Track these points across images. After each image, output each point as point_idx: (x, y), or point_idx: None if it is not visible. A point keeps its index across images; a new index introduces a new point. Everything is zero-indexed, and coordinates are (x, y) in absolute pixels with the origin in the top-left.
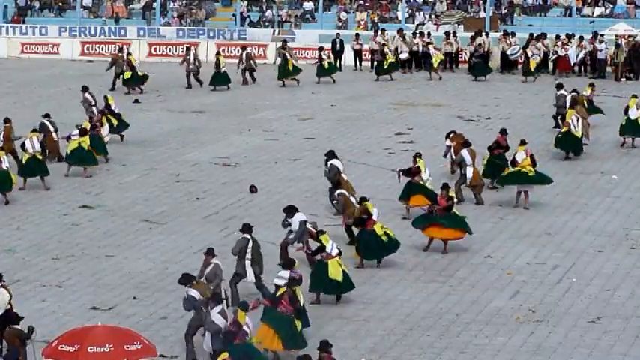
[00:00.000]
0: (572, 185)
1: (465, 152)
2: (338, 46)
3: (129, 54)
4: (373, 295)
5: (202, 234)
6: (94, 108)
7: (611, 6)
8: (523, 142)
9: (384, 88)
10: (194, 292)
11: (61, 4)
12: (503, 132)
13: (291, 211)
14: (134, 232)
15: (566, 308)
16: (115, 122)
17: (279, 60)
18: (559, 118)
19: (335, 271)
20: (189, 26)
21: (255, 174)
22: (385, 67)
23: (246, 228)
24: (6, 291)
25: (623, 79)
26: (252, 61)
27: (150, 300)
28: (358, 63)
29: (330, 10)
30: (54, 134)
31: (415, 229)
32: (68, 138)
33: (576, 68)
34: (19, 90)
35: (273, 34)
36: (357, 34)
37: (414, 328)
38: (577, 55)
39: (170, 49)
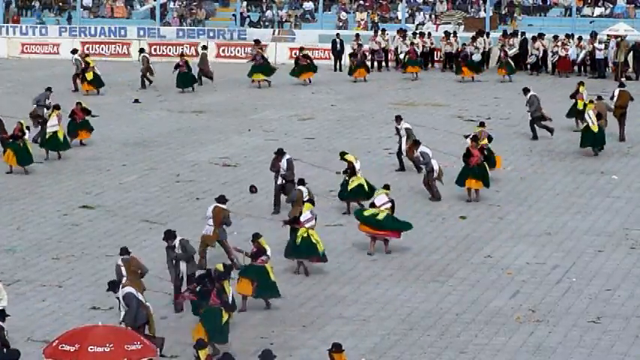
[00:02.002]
0: (572, 185)
1: (423, 148)
2: (338, 46)
3: (86, 55)
4: (373, 296)
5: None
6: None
7: (611, 6)
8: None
9: (383, 88)
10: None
11: (61, 4)
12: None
13: (169, 236)
14: (134, 232)
15: (566, 308)
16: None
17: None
18: (535, 121)
19: (273, 274)
20: (190, 26)
21: (255, 174)
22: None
23: (170, 234)
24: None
25: (624, 79)
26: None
27: (150, 300)
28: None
29: (330, 10)
30: None
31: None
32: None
33: (576, 68)
34: (19, 90)
35: (273, 34)
36: (357, 34)
37: (414, 328)
38: (578, 55)
39: (170, 49)
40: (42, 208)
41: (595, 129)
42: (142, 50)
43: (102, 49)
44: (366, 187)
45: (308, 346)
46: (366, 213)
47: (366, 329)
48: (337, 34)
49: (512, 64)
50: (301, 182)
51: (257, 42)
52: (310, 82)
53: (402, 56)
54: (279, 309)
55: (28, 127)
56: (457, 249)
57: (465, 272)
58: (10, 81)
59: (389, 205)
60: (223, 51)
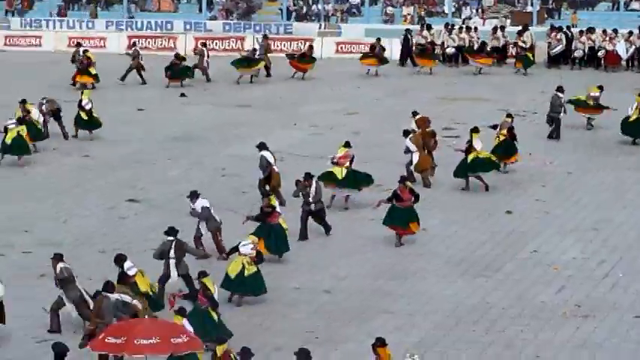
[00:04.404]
0: (618, 180)
1: (407, 141)
2: (410, 41)
3: (85, 51)
4: (419, 290)
5: (248, 227)
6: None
7: None
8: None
9: (429, 83)
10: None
11: None
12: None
13: (194, 196)
14: (179, 225)
15: (612, 303)
16: (85, 117)
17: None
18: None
19: (233, 268)
20: (236, 20)
21: (300, 168)
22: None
23: (171, 231)
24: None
25: None
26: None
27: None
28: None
29: (376, 4)
30: None
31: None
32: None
33: (624, 63)
34: (64, 83)
35: (319, 28)
36: (408, 30)
37: (460, 323)
38: (627, 50)
39: (217, 43)
40: (88, 202)
41: (634, 117)
42: (134, 44)
43: (148, 43)
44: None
45: (353, 340)
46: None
47: (411, 324)
48: (407, 30)
49: (530, 57)
50: (310, 176)
51: (265, 37)
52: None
53: (449, 50)
54: (326, 303)
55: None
56: (503, 244)
57: (511, 267)
58: (56, 74)
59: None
60: (270, 45)
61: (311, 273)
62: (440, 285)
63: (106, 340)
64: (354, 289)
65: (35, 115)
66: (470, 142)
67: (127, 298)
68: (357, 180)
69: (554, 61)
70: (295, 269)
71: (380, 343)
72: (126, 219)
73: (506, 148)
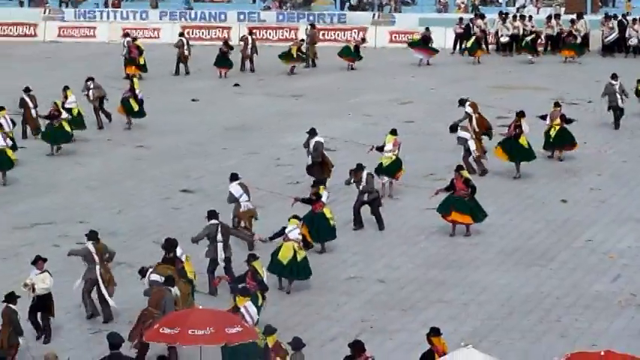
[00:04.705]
0: None
1: (460, 132)
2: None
3: (135, 39)
4: (473, 279)
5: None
6: (32, 110)
7: None
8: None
9: (483, 72)
10: None
11: None
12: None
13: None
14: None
15: None
16: (135, 107)
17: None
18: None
19: (284, 254)
20: (290, 10)
21: (354, 158)
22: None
23: (212, 214)
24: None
25: None
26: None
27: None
28: (458, 47)
29: None
30: (32, 110)
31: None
32: (51, 117)
33: None
34: (118, 74)
35: (373, 17)
36: (461, 18)
37: (514, 312)
38: None
39: (270, 33)
40: (143, 192)
41: None
42: (181, 34)
43: (202, 34)
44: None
45: (408, 330)
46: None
47: (465, 313)
48: (471, 19)
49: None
50: (360, 167)
51: (312, 26)
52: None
53: (502, 39)
54: (380, 293)
55: (64, 106)
56: (558, 232)
57: (566, 256)
58: (111, 65)
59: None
60: (323, 35)
61: (365, 263)
62: (494, 274)
63: (161, 331)
64: (409, 278)
65: (72, 100)
66: (519, 126)
67: (155, 276)
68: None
69: (608, 49)
70: (349, 259)
71: (434, 332)
72: (180, 209)
73: (564, 137)
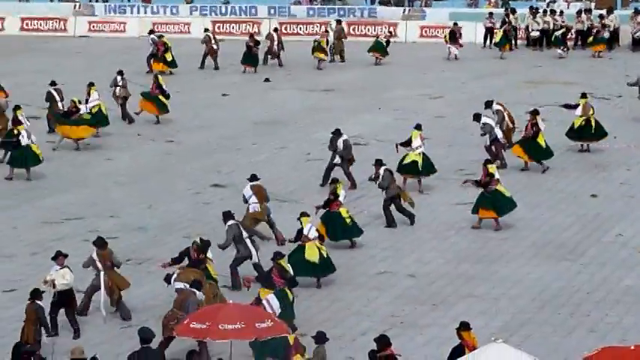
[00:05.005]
0: None
1: (485, 119)
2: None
3: (161, 36)
4: (504, 274)
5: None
6: (58, 104)
7: None
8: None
9: (513, 67)
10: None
11: None
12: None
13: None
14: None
15: None
16: (164, 101)
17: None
18: None
19: (311, 253)
20: (320, 5)
21: (385, 153)
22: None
23: (228, 215)
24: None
25: None
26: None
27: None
28: (488, 41)
29: None
30: (59, 104)
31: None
32: (70, 113)
33: None
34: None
35: (404, 12)
36: (491, 13)
37: (545, 307)
38: None
39: (300, 27)
40: (173, 187)
41: None
42: (206, 29)
43: (232, 28)
44: (420, 163)
45: (438, 325)
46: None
47: (496, 308)
48: (505, 14)
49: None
50: (379, 163)
51: (338, 22)
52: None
53: (533, 34)
54: (410, 287)
55: (80, 102)
56: (588, 227)
57: (596, 251)
58: (141, 60)
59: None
60: (354, 29)
61: (395, 258)
62: (525, 269)
63: (191, 326)
64: (439, 273)
65: (95, 97)
66: (536, 124)
67: (179, 284)
68: (426, 166)
69: (638, 43)
70: (379, 254)
71: (464, 327)
72: (210, 204)
73: (597, 129)
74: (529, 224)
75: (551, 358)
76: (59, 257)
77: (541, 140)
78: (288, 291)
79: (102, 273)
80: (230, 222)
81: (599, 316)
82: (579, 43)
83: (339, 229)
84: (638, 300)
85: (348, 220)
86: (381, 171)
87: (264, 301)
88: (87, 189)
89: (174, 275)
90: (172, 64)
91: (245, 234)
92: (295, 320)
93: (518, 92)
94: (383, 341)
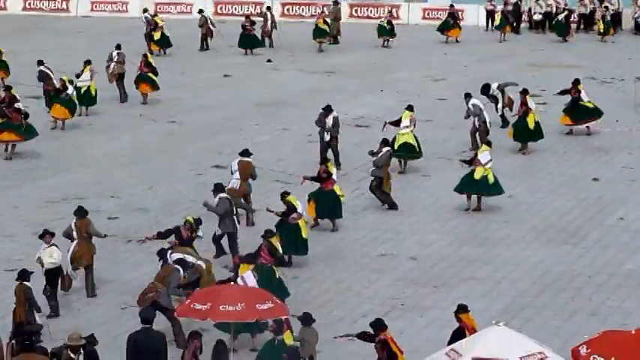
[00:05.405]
0: None
1: (474, 100)
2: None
3: (155, 15)
4: (505, 257)
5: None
6: (54, 81)
7: None
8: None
9: (516, 50)
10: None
11: None
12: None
13: (217, 189)
14: (265, 192)
15: None
16: (155, 79)
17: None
18: None
19: (305, 231)
20: None
21: (387, 135)
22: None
23: (220, 187)
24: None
25: None
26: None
27: None
28: (490, 24)
29: None
30: (54, 81)
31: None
32: (58, 91)
33: None
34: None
35: None
36: None
37: (546, 290)
38: None
39: (303, 9)
40: (175, 168)
41: None
42: (200, 11)
43: (234, 9)
44: (415, 144)
45: (439, 307)
46: (476, 175)
47: (497, 291)
48: None
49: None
50: (385, 142)
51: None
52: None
53: (535, 17)
54: (411, 270)
55: (71, 81)
56: (590, 211)
57: (598, 234)
58: (142, 40)
59: (491, 163)
60: (356, 11)
61: (397, 240)
62: (526, 252)
63: (192, 306)
64: (440, 256)
65: (86, 77)
66: (525, 103)
67: (190, 258)
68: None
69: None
70: (381, 236)
71: (462, 309)
72: (212, 185)
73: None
74: (530, 208)
75: (552, 342)
76: (46, 236)
77: (530, 120)
78: (275, 269)
79: (75, 242)
80: (221, 195)
81: (600, 299)
82: (582, 26)
83: (329, 207)
84: (639, 284)
85: (342, 199)
86: (384, 149)
87: (239, 279)
88: (88, 169)
89: (170, 250)
90: (161, 43)
91: (234, 210)
92: (296, 302)
93: (522, 75)
94: (379, 325)
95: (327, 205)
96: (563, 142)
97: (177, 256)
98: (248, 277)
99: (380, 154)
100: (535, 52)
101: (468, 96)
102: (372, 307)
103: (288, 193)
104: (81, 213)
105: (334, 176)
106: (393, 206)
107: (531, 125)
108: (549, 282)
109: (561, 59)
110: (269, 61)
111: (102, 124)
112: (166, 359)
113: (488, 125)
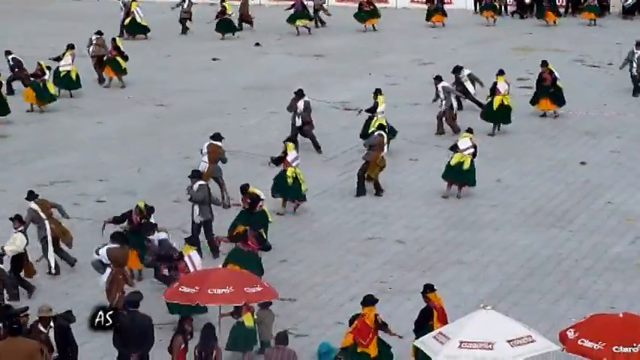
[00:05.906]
0: None
1: (444, 83)
2: None
3: (133, 1)
4: (493, 241)
5: (321, 177)
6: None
7: None
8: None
9: (504, 33)
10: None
11: None
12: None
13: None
14: (254, 175)
15: None
16: (123, 65)
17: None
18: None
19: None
20: None
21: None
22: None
23: (197, 174)
24: (23, 236)
25: None
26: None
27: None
28: (478, 7)
29: None
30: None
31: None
32: (35, 76)
33: None
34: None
35: None
36: None
37: (533, 274)
38: None
39: None
40: (162, 151)
41: None
42: None
43: None
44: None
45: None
46: (452, 162)
47: (484, 274)
48: None
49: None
50: (381, 127)
51: None
52: (374, 28)
53: (527, 0)
54: (399, 253)
55: (48, 67)
56: (577, 195)
57: (585, 218)
58: (116, 25)
59: (472, 150)
60: None
61: (384, 224)
62: (513, 236)
63: (180, 290)
64: (428, 239)
65: (67, 61)
66: (495, 84)
67: (163, 235)
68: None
69: (628, 12)
70: (369, 220)
71: (429, 289)
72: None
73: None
74: (518, 191)
75: (540, 325)
76: (15, 221)
77: (496, 102)
78: (257, 254)
79: (46, 222)
80: (200, 182)
81: (587, 283)
82: (569, 10)
83: (278, 187)
84: (627, 267)
85: (289, 180)
86: (376, 134)
87: (185, 258)
88: (76, 152)
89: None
90: (131, 29)
91: (211, 198)
92: (285, 285)
93: (509, 58)
94: (368, 301)
95: (276, 184)
96: (550, 126)
97: (161, 236)
98: (194, 255)
99: (373, 136)
100: (523, 35)
101: (438, 79)
102: (360, 291)
103: (248, 186)
104: (33, 195)
105: (289, 157)
106: (360, 193)
107: (495, 107)
108: (536, 266)
109: (549, 43)
110: (257, 44)
111: (88, 107)
112: (153, 341)
113: (455, 110)
